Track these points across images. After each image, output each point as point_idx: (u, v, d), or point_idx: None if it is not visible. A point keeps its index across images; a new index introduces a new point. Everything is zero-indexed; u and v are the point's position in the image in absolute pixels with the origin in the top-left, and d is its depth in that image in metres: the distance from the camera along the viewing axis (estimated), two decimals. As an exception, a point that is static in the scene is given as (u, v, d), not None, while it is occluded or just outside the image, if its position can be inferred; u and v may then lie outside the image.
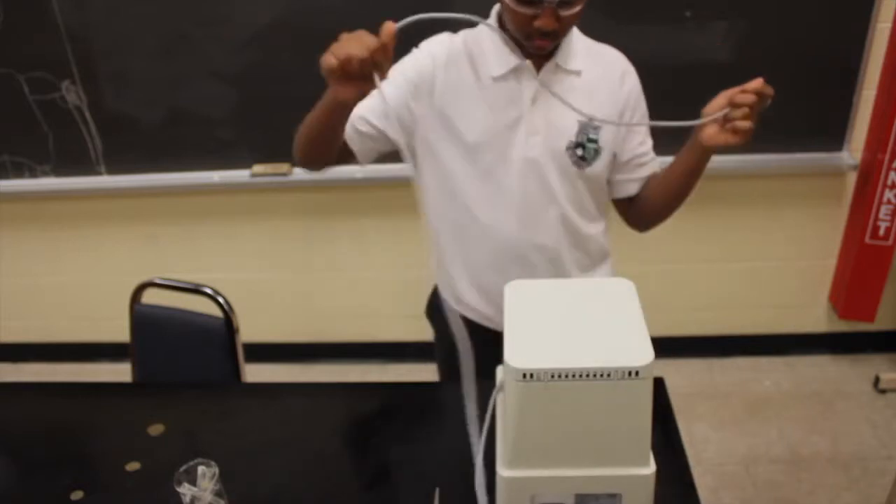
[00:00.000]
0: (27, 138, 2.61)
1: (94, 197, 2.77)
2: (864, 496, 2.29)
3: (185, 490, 1.17)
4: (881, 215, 2.51)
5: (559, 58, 1.42)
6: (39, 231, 2.89)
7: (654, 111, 2.36)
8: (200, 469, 1.19)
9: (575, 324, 1.09)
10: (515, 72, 1.42)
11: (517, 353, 1.03)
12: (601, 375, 1.00)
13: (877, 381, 2.72)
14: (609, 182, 1.55)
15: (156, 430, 1.47)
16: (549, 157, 1.45)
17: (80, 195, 2.74)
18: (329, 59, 1.22)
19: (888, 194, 2.47)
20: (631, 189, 1.55)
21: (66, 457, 1.43)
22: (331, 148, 1.47)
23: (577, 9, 1.30)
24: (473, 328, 1.43)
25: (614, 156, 1.51)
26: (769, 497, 2.31)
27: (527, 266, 1.52)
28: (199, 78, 2.47)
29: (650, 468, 1.08)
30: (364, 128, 1.49)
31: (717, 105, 1.32)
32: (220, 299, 1.82)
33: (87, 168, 2.64)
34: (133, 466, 1.38)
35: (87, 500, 1.32)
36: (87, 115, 2.55)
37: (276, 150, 2.59)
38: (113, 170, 2.65)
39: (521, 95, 1.42)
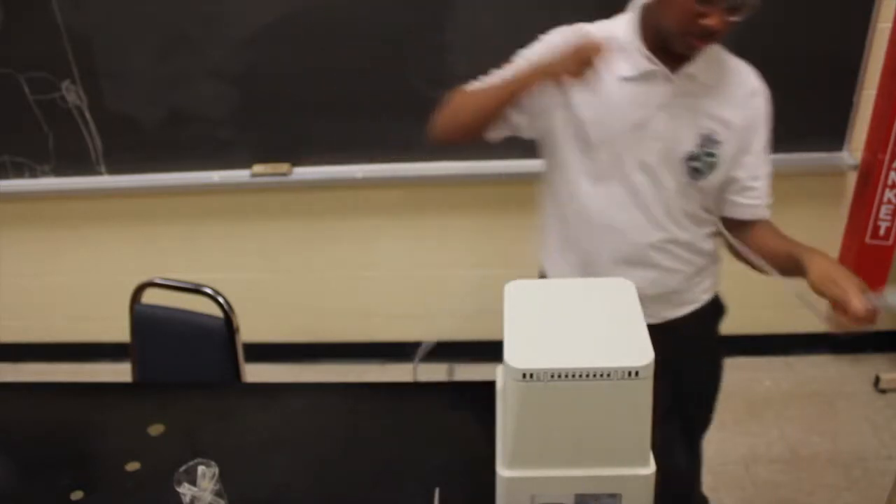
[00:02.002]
0: (27, 138, 2.61)
1: (94, 197, 2.77)
2: (864, 496, 2.29)
3: (185, 490, 1.17)
4: (881, 215, 2.51)
5: (693, 67, 1.39)
6: (39, 231, 2.89)
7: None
8: (200, 469, 1.19)
9: (575, 324, 1.09)
10: (646, 75, 1.39)
11: (517, 353, 1.03)
12: (601, 375, 1.00)
13: (877, 381, 2.72)
14: (719, 198, 1.54)
15: (156, 430, 1.47)
16: (665, 165, 1.44)
17: (80, 195, 2.74)
18: (561, 74, 1.31)
19: (888, 194, 2.47)
20: (736, 212, 1.54)
21: (66, 457, 1.43)
22: (493, 123, 1.50)
23: (741, 17, 1.29)
24: None
25: (729, 174, 1.49)
26: (769, 497, 2.31)
27: (637, 265, 1.52)
28: (199, 78, 2.47)
29: (650, 468, 1.08)
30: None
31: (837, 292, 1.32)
32: (220, 299, 1.82)
33: (87, 168, 2.64)
34: (133, 466, 1.38)
35: (87, 500, 1.32)
36: (87, 115, 2.55)
37: (276, 150, 2.58)
38: (113, 170, 2.65)
39: (649, 100, 1.41)
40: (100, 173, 2.66)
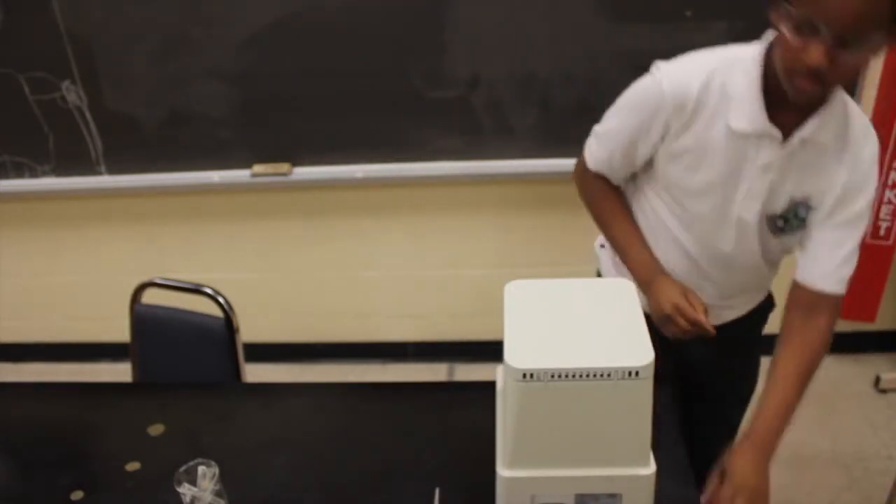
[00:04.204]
0: (27, 138, 2.61)
1: (94, 197, 2.77)
2: (864, 496, 2.29)
3: (185, 490, 1.17)
4: (882, 215, 2.50)
5: (808, 130, 1.25)
6: (39, 231, 2.89)
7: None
8: (200, 469, 1.19)
9: (575, 324, 1.09)
10: (763, 134, 1.27)
11: (517, 353, 1.03)
12: (601, 375, 1.00)
13: (877, 381, 2.72)
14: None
15: (156, 430, 1.47)
16: (757, 221, 1.36)
17: (80, 195, 2.74)
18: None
19: (889, 194, 2.47)
20: (800, 266, 1.40)
21: (66, 457, 1.43)
22: None
23: (858, 57, 1.12)
24: None
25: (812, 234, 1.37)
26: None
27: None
28: (199, 78, 2.47)
29: (650, 468, 1.08)
30: (615, 176, 1.52)
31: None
32: (220, 299, 1.82)
33: (87, 168, 2.64)
34: (133, 466, 1.38)
35: (87, 500, 1.32)
36: (87, 115, 2.55)
37: (276, 150, 2.58)
38: (113, 170, 2.65)
39: (756, 161, 1.30)
40: (100, 173, 2.65)
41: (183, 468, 1.19)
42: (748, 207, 1.35)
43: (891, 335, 2.85)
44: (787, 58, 1.16)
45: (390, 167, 2.57)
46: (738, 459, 1.27)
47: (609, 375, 1.00)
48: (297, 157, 2.59)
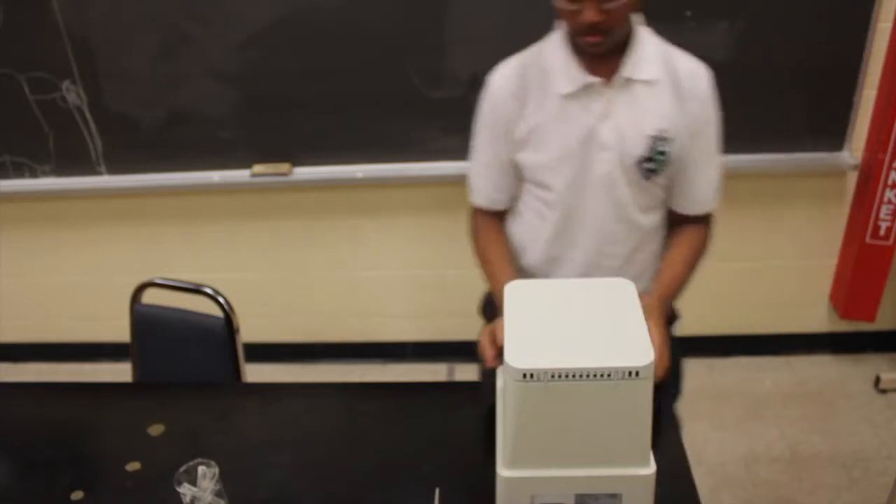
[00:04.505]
0: (27, 138, 2.61)
1: (95, 197, 2.77)
2: (864, 496, 2.29)
3: (185, 490, 1.17)
4: (882, 215, 2.51)
5: (627, 69, 1.41)
6: (39, 231, 2.89)
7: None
8: (200, 469, 1.19)
9: (575, 324, 1.09)
10: (585, 88, 1.41)
11: (517, 353, 1.03)
12: (601, 375, 1.00)
13: (877, 381, 2.72)
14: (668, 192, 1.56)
15: (156, 430, 1.47)
16: (621, 172, 1.45)
17: (81, 195, 2.74)
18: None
19: (889, 194, 2.47)
20: (673, 205, 1.56)
21: (66, 457, 1.43)
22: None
23: (622, 3, 1.30)
24: None
25: (681, 168, 1.50)
26: (769, 497, 2.31)
27: (597, 270, 1.55)
28: (199, 78, 2.47)
29: (650, 468, 1.08)
30: (504, 195, 1.59)
31: None
32: (220, 299, 1.82)
33: (87, 168, 2.64)
34: (133, 466, 1.38)
35: (87, 500, 1.32)
36: (87, 115, 2.55)
37: (276, 150, 2.58)
38: (113, 170, 2.65)
39: (591, 112, 1.42)
40: (100, 173, 2.66)
41: (183, 468, 1.19)
42: (606, 160, 1.44)
43: (891, 335, 2.85)
44: (569, 23, 1.34)
45: (390, 167, 2.57)
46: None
47: (609, 375, 1.00)
48: (297, 157, 2.59)
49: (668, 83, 1.43)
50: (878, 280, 2.63)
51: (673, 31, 2.35)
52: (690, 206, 1.55)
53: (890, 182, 2.45)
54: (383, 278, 2.89)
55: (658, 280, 1.52)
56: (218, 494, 1.20)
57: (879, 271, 2.61)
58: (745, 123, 2.46)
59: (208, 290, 1.83)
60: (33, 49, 2.45)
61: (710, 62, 2.35)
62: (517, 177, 1.56)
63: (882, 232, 2.53)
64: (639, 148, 1.43)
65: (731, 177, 2.60)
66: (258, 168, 2.60)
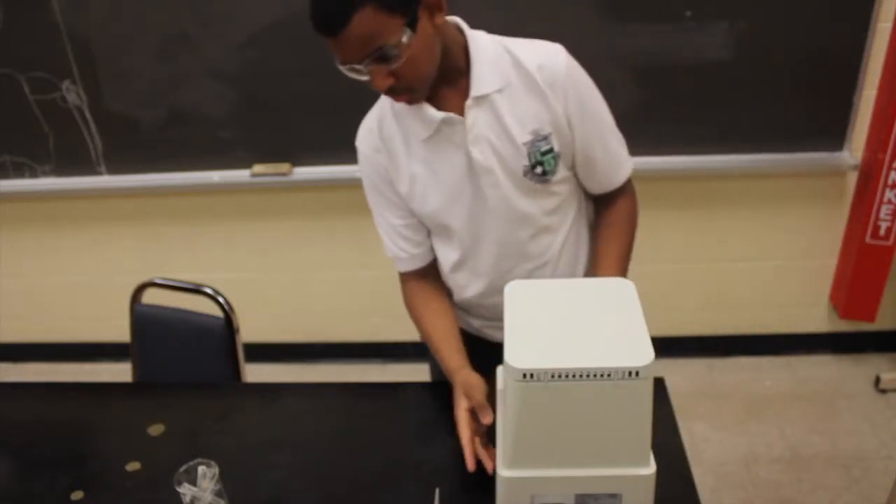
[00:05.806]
0: (27, 138, 2.61)
1: (95, 197, 2.77)
2: (864, 496, 2.29)
3: (185, 490, 1.17)
4: (882, 215, 2.51)
5: (474, 88, 1.31)
6: (39, 231, 2.89)
7: (654, 111, 2.35)
8: (200, 469, 1.19)
9: (575, 324, 1.09)
10: (442, 125, 1.33)
11: (517, 354, 1.03)
12: (601, 375, 1.00)
13: (877, 381, 2.72)
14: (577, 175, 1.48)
15: (156, 430, 1.47)
16: (513, 188, 1.38)
17: (80, 195, 2.74)
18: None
19: (889, 194, 2.47)
20: (589, 187, 1.49)
21: (66, 457, 1.43)
22: None
23: (405, 58, 1.18)
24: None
25: (575, 152, 1.41)
26: (769, 497, 2.31)
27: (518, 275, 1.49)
28: (199, 78, 2.47)
29: (650, 468, 1.08)
30: (423, 249, 1.53)
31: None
32: (220, 299, 1.82)
33: (87, 168, 2.64)
34: (133, 466, 1.38)
35: (87, 500, 1.32)
36: (87, 115, 2.55)
37: (276, 150, 2.59)
38: (113, 170, 2.65)
39: (458, 144, 1.35)
40: (100, 173, 2.66)
41: (183, 468, 1.19)
42: (493, 183, 1.37)
43: (891, 335, 2.85)
44: (376, 88, 1.24)
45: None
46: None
47: (609, 375, 1.00)
48: (297, 157, 2.59)
49: (520, 83, 1.33)
50: (878, 280, 2.63)
51: (673, 31, 2.37)
52: (605, 183, 1.47)
53: (890, 182, 2.45)
54: (383, 278, 2.88)
55: (606, 265, 1.46)
56: (218, 494, 1.20)
57: (879, 271, 2.61)
58: (745, 123, 2.47)
59: (208, 290, 1.83)
60: (33, 49, 2.45)
61: (710, 62, 2.37)
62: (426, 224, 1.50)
63: (882, 232, 2.53)
64: (520, 159, 1.35)
65: (730, 177, 2.62)
66: (258, 168, 2.60)
